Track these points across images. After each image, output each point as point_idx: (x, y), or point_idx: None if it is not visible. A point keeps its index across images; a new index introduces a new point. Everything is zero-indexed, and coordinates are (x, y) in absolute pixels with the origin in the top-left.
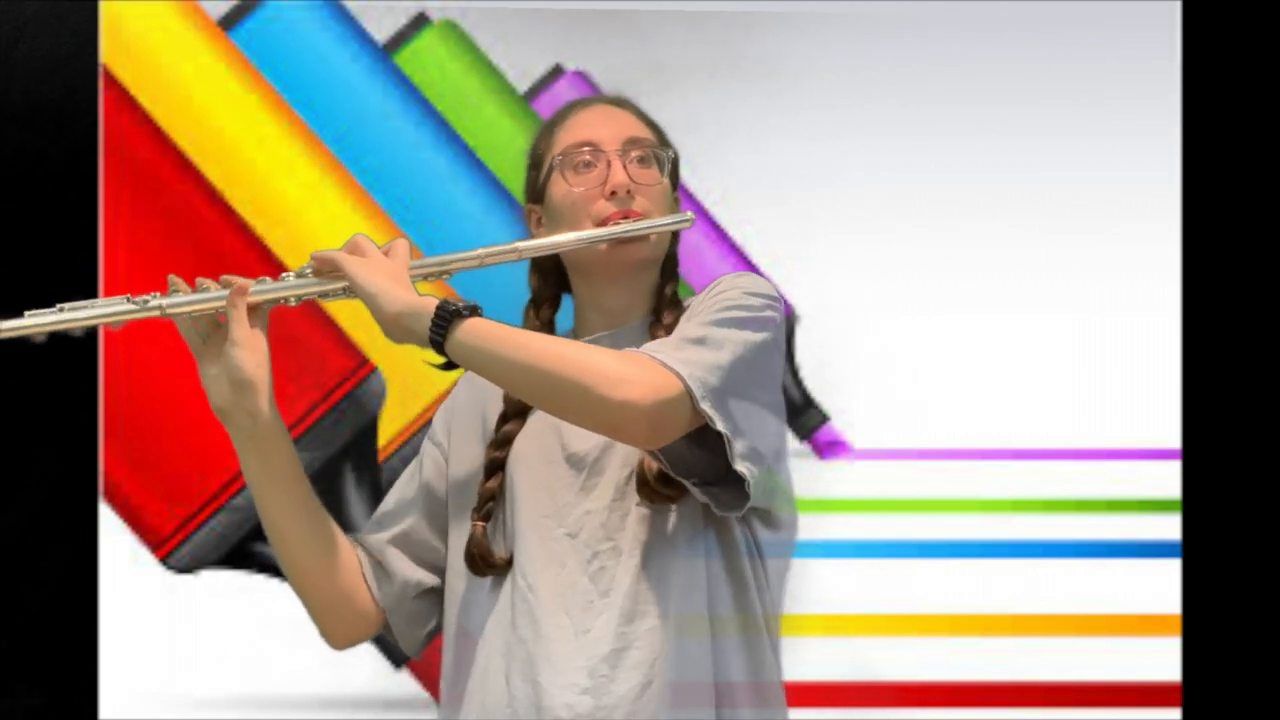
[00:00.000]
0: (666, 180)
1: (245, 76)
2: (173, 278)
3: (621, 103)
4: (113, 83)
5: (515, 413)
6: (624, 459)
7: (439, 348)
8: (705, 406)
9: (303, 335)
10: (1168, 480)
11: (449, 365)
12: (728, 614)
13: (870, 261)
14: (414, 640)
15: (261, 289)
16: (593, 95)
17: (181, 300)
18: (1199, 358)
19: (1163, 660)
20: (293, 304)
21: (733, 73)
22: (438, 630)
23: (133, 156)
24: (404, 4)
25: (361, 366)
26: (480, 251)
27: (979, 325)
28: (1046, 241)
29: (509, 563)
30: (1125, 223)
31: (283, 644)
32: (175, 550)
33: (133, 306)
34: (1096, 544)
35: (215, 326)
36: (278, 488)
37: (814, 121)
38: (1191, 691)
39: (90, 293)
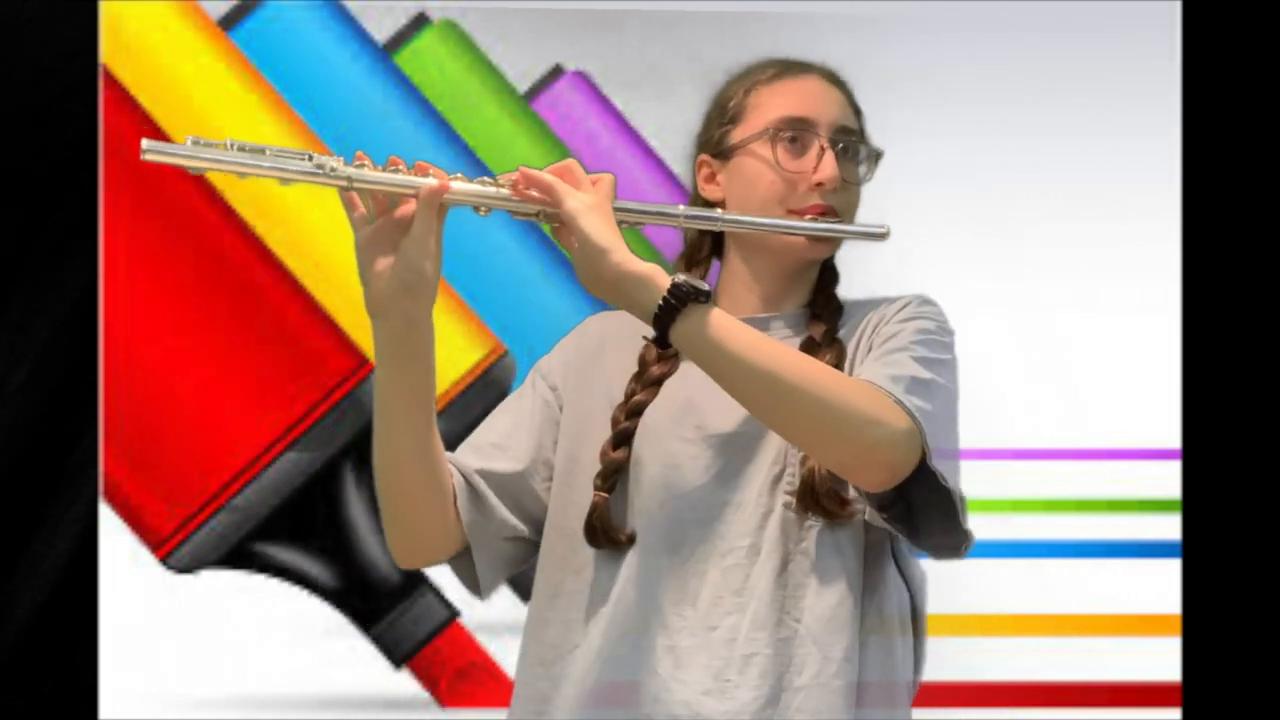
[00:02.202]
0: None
1: (245, 76)
2: (360, 152)
3: (838, 81)
4: (113, 83)
5: (649, 381)
6: (776, 454)
7: (663, 328)
8: (935, 463)
9: (303, 335)
10: (1168, 480)
11: (663, 344)
12: (872, 618)
13: (869, 261)
14: (489, 581)
15: (459, 188)
16: (807, 62)
17: (370, 177)
18: (1199, 358)
19: (1163, 660)
20: (482, 213)
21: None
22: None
23: (133, 157)
24: (404, 4)
25: (361, 366)
26: (683, 210)
27: (977, 325)
28: (1046, 241)
29: (631, 540)
30: (1125, 223)
31: (283, 644)
32: (175, 550)
33: (312, 167)
34: (1096, 544)
35: (387, 213)
36: (407, 397)
37: None
38: (1191, 691)
39: (90, 295)
